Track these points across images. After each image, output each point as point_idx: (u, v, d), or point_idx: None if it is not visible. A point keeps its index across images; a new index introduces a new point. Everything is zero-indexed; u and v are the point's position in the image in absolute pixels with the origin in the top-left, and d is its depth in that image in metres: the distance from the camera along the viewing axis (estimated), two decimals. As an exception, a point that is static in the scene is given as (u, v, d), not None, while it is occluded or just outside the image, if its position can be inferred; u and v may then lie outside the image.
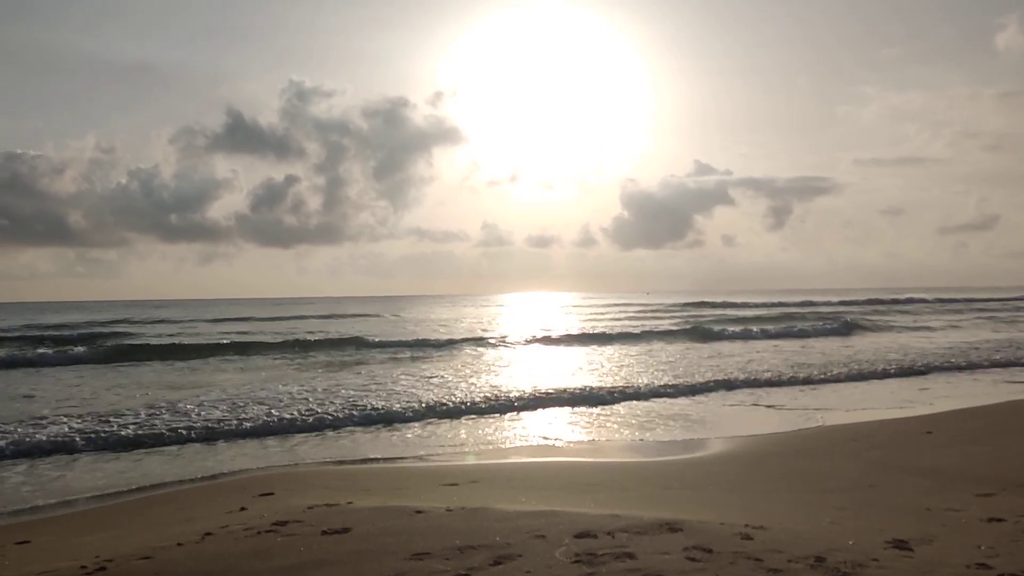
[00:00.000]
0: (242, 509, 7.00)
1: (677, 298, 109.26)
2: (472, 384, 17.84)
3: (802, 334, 35.81)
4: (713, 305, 74.14)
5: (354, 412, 13.59)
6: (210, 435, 11.93)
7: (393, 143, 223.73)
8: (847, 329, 38.67)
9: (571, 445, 11.56)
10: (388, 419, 13.35)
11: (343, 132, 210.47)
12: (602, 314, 61.55)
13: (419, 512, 6.08)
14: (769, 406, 15.01)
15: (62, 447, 11.01)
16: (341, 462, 10.61)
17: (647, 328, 39.40)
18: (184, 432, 11.93)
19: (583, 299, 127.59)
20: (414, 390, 16.74)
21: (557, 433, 12.36)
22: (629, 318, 54.25)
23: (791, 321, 43.81)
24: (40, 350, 25.82)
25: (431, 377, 19.50)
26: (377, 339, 32.16)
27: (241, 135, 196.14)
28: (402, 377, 19.61)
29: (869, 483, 7.84)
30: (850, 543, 5.05)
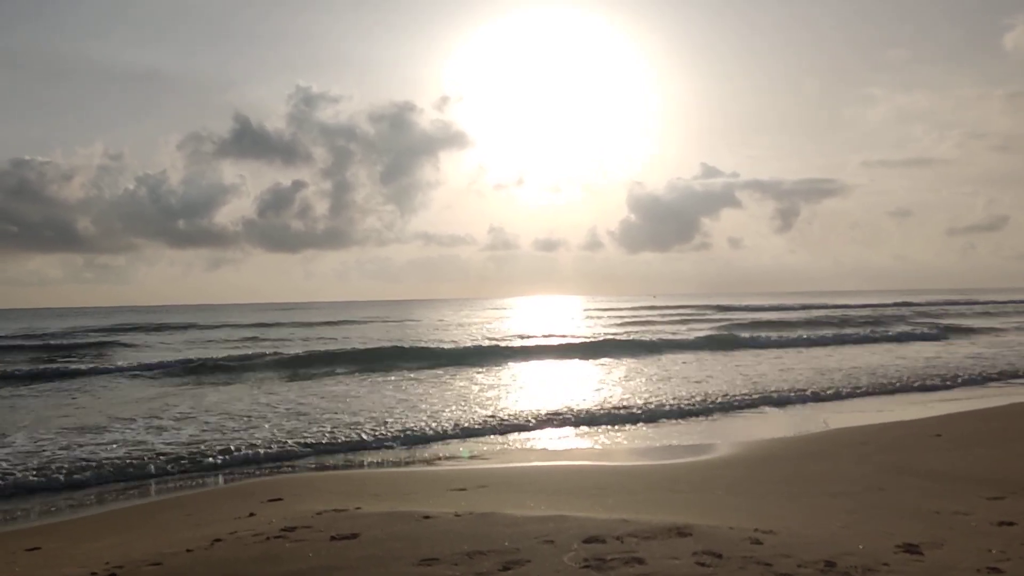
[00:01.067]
0: (251, 515, 7.01)
1: (684, 300, 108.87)
2: (551, 397, 16.90)
3: (896, 338, 34.36)
4: (741, 309, 72.39)
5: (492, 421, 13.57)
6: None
7: (400, 147, 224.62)
8: (943, 333, 36.89)
9: (578, 449, 11.55)
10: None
11: (350, 137, 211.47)
12: (631, 318, 59.50)
13: (427, 517, 6.08)
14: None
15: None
16: (349, 467, 10.63)
17: (692, 334, 36.80)
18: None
19: (598, 302, 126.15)
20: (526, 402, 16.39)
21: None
22: (662, 322, 52.60)
23: (874, 326, 42.12)
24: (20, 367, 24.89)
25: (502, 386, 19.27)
26: (446, 346, 30.98)
27: (248, 141, 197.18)
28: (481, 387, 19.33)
29: (878, 486, 7.80)
30: (860, 547, 5.03)
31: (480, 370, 23.09)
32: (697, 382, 19.33)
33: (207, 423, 13.80)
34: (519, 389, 18.59)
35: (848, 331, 38.43)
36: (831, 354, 27.19)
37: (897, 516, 6.35)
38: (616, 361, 26.03)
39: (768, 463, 9.58)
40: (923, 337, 35.46)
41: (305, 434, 12.50)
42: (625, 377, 21.00)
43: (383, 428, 12.99)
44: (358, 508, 6.80)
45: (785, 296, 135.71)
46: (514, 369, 23.61)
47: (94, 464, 10.44)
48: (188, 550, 5.59)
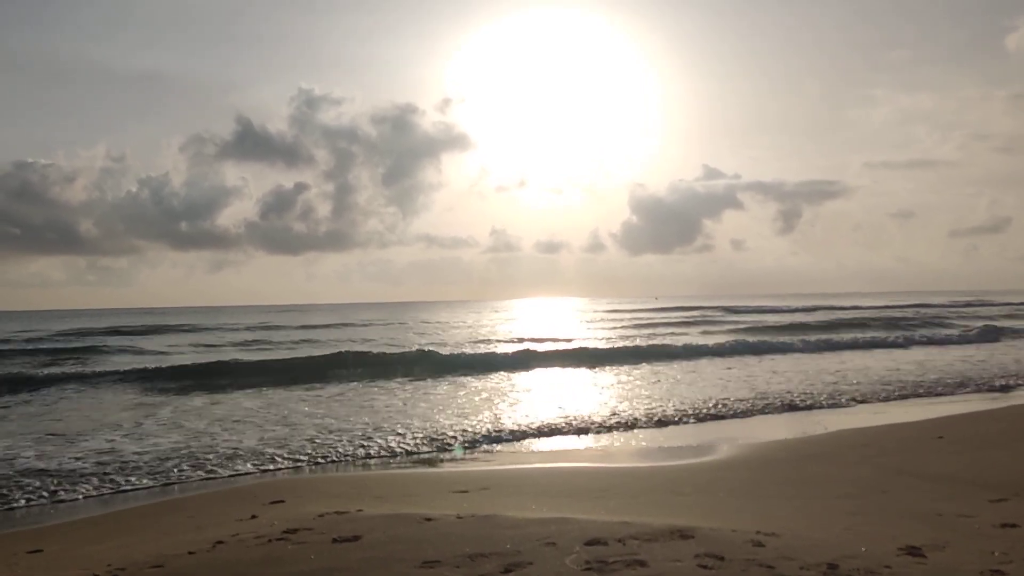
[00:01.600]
0: (253, 517, 7.01)
1: (687, 302, 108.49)
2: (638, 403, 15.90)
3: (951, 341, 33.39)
4: (750, 311, 70.47)
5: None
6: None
7: (402, 149, 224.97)
8: (993, 335, 35.91)
9: (579, 451, 11.55)
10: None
11: (352, 139, 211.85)
12: (637, 321, 57.42)
13: (429, 519, 6.08)
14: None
15: None
16: (351, 469, 10.63)
17: (707, 339, 35.06)
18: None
19: (601, 304, 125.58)
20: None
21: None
22: (671, 324, 51.20)
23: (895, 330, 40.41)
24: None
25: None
26: (446, 351, 29.37)
27: (250, 143, 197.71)
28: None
29: (881, 488, 7.79)
30: (863, 550, 5.02)
31: (489, 376, 22.37)
32: (707, 387, 19.32)
33: (194, 429, 13.46)
34: (527, 397, 18.43)
35: (885, 335, 37.09)
36: (901, 358, 26.44)
37: (900, 518, 6.34)
38: (626, 367, 24.69)
39: (770, 465, 9.57)
40: (980, 339, 34.55)
41: (294, 443, 12.03)
42: (638, 383, 20.90)
43: (376, 438, 12.49)
44: (360, 510, 6.80)
45: (790, 298, 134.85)
46: (521, 376, 22.80)
47: (71, 476, 10.00)
48: (190, 552, 5.60)
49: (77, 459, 10.97)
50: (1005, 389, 17.99)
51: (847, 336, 36.12)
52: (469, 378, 21.50)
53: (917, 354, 28.02)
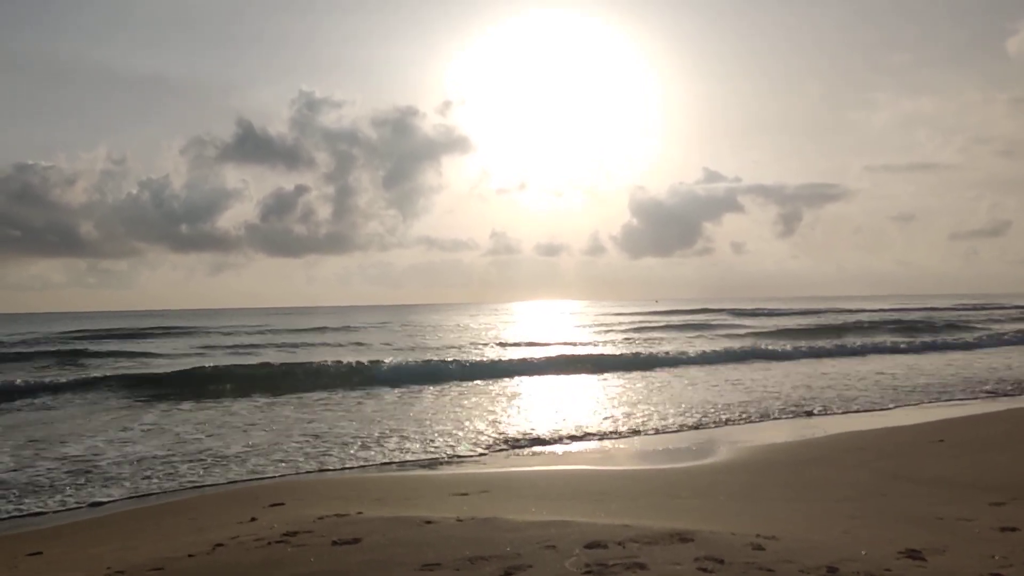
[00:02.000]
0: (252, 519, 7.01)
1: (687, 305, 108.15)
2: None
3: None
4: (754, 315, 68.56)
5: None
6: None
7: (402, 152, 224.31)
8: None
9: (579, 453, 11.54)
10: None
11: (352, 141, 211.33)
12: (640, 324, 56.06)
13: (429, 522, 6.08)
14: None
15: None
16: (351, 471, 10.61)
17: (717, 345, 33.68)
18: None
19: (602, 308, 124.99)
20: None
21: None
22: (674, 327, 50.41)
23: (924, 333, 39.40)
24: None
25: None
26: (447, 356, 28.15)
27: (251, 145, 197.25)
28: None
29: (880, 492, 7.80)
30: (863, 553, 5.02)
31: (489, 380, 21.86)
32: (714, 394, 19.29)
33: (183, 434, 13.26)
34: (528, 401, 18.28)
35: (895, 339, 36.17)
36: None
37: (899, 522, 6.34)
38: (626, 371, 24.26)
39: (770, 469, 9.57)
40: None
41: (287, 448, 11.84)
42: (638, 387, 20.78)
43: (371, 442, 12.38)
44: (360, 513, 6.80)
45: (791, 301, 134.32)
46: (522, 380, 22.26)
47: (57, 482, 9.86)
48: (190, 555, 5.60)
49: (64, 464, 10.85)
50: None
51: (847, 340, 35.62)
52: (468, 381, 21.42)
53: (952, 358, 27.66)
